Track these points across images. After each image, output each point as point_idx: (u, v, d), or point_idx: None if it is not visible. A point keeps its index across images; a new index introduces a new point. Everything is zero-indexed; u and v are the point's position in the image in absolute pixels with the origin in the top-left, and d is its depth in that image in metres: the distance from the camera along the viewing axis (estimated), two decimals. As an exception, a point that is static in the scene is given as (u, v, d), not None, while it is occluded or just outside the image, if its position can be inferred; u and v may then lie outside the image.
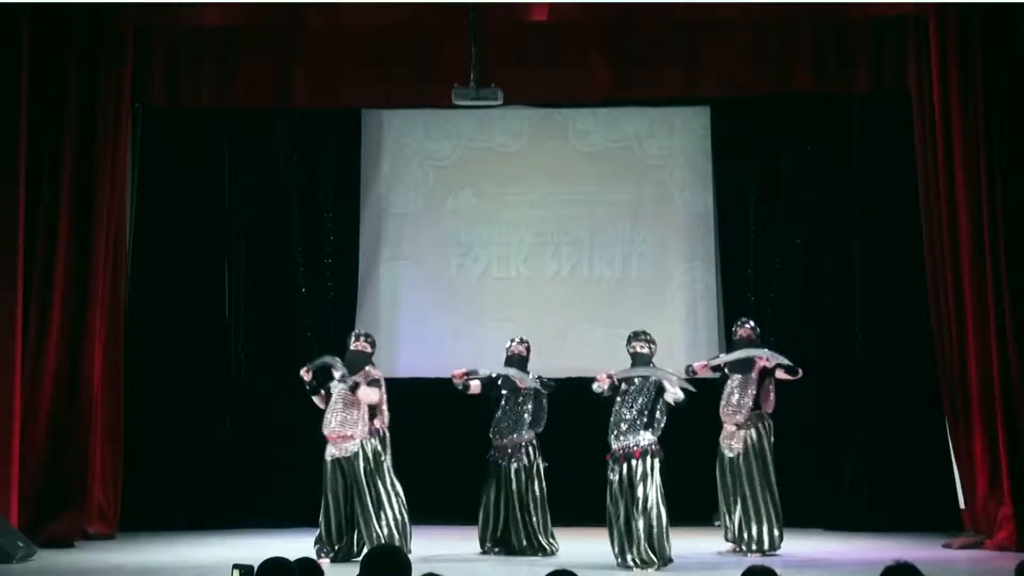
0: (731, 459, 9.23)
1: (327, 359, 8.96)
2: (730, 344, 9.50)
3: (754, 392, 9.17)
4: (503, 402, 9.21)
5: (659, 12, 9.91)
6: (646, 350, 8.68)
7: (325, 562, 8.59)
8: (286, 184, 11.55)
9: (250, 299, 11.53)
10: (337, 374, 8.88)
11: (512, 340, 9.41)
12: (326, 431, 8.84)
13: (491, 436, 9.20)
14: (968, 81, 9.68)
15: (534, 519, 9.08)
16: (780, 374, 9.18)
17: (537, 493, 9.10)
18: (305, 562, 4.50)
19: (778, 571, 4.31)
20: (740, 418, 9.17)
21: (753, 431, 9.17)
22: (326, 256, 11.53)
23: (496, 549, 9.17)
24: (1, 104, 9.61)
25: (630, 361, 8.69)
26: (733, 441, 9.22)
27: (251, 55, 10.53)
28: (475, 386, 9.26)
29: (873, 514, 10.67)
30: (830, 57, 10.41)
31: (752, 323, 9.55)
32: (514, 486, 9.07)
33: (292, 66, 10.52)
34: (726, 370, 9.33)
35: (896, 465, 10.80)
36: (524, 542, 9.07)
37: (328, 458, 8.84)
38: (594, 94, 10.82)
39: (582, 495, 9.69)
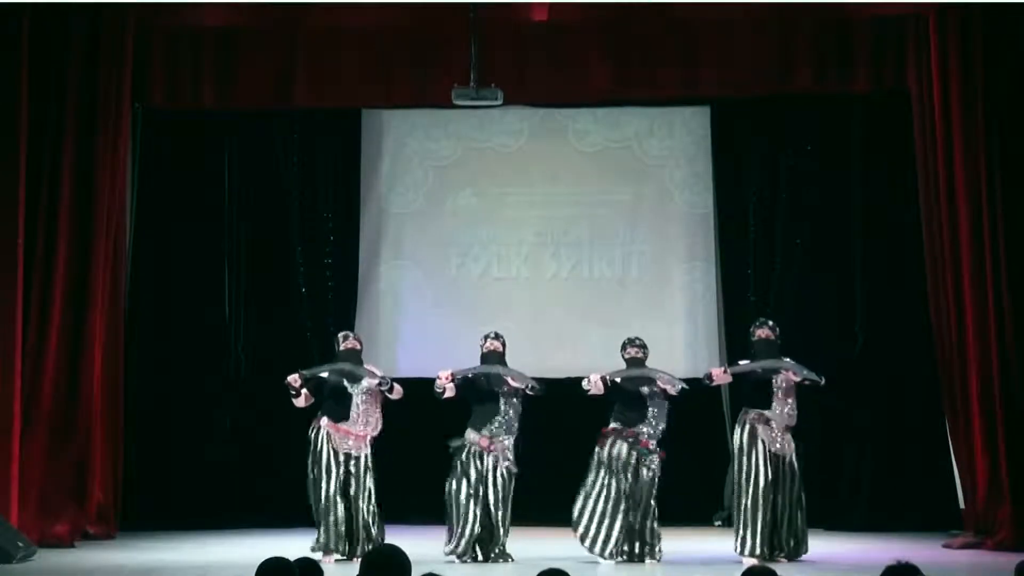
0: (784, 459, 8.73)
1: (332, 375, 8.80)
2: (749, 345, 9.20)
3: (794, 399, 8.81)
4: (499, 402, 8.72)
5: (659, 12, 9.91)
6: (640, 355, 8.78)
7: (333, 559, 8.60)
8: (286, 184, 11.55)
9: (250, 299, 11.54)
10: (373, 382, 8.73)
11: (487, 336, 8.94)
12: (360, 431, 8.77)
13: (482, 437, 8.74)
14: (968, 81, 9.68)
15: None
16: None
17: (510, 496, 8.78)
18: (305, 562, 4.49)
19: (778, 571, 4.31)
20: (791, 422, 8.78)
21: (791, 437, 8.80)
22: (326, 256, 11.54)
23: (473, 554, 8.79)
24: (1, 104, 9.61)
25: (624, 365, 8.74)
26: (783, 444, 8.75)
27: (251, 55, 10.53)
28: (450, 389, 8.72)
29: (873, 514, 10.68)
30: (830, 57, 10.40)
31: (772, 323, 9.03)
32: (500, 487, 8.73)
33: (292, 66, 10.52)
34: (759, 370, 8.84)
35: (896, 465, 10.81)
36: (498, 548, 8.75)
37: (342, 454, 8.77)
38: (594, 94, 10.83)
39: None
